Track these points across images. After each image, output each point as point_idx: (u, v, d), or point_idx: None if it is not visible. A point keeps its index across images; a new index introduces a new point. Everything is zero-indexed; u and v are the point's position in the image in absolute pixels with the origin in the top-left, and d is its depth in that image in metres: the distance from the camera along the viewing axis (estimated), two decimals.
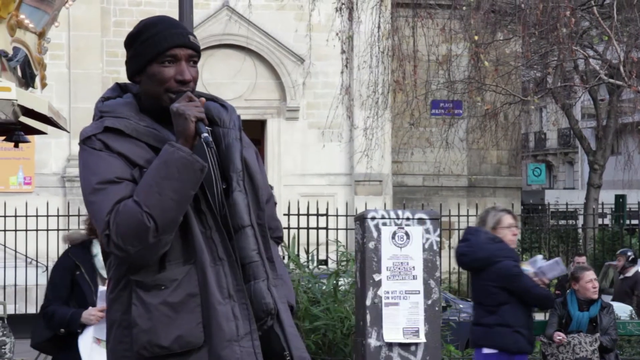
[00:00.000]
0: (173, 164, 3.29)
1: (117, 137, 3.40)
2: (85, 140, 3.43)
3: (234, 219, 3.49)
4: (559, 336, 9.40)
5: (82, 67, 22.55)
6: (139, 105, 3.51)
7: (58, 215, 20.12)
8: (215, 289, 3.36)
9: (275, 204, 3.90)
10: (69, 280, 6.47)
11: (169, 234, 3.32)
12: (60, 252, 22.69)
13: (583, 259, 17.24)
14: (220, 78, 22.46)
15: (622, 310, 13.38)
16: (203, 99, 3.42)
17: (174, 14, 13.01)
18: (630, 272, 16.36)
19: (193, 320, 3.35)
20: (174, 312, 3.34)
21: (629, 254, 16.86)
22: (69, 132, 15.33)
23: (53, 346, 6.63)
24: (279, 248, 3.92)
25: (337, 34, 19.67)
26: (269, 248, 3.57)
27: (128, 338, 3.38)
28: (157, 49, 3.44)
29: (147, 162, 3.36)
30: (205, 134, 3.33)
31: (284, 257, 10.56)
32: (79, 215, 20.39)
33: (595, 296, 9.57)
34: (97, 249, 6.30)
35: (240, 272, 3.44)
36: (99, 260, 6.25)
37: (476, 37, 18.70)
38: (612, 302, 10.94)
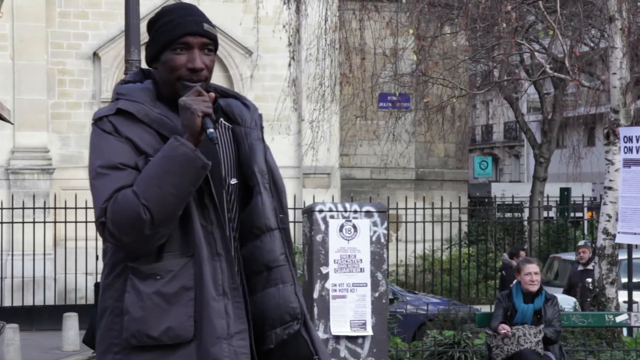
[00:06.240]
0: (176, 159, 3.24)
1: (128, 121, 3.37)
2: (97, 121, 3.40)
3: (260, 220, 3.47)
4: (504, 329, 9.49)
5: (27, 58, 22.24)
6: (157, 92, 3.48)
7: (2, 208, 19.94)
8: (210, 284, 3.33)
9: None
10: None
11: (166, 227, 3.29)
12: (5, 245, 22.34)
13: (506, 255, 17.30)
14: None
15: (566, 302, 13.51)
16: (212, 94, 3.37)
17: (120, 5, 12.87)
18: (592, 265, 14.72)
19: (185, 314, 3.31)
20: (167, 304, 3.31)
21: (590, 244, 16.34)
22: (12, 123, 15.16)
23: None
24: None
25: (284, 26, 19.63)
26: (292, 253, 3.57)
27: (118, 325, 3.35)
28: (169, 36, 3.44)
29: (154, 151, 3.32)
30: (211, 130, 3.28)
31: None
32: (23, 208, 20.24)
33: (533, 289, 9.65)
34: None
35: (237, 270, 3.42)
36: None
37: (411, 31, 18.73)
38: (557, 295, 11.03)
